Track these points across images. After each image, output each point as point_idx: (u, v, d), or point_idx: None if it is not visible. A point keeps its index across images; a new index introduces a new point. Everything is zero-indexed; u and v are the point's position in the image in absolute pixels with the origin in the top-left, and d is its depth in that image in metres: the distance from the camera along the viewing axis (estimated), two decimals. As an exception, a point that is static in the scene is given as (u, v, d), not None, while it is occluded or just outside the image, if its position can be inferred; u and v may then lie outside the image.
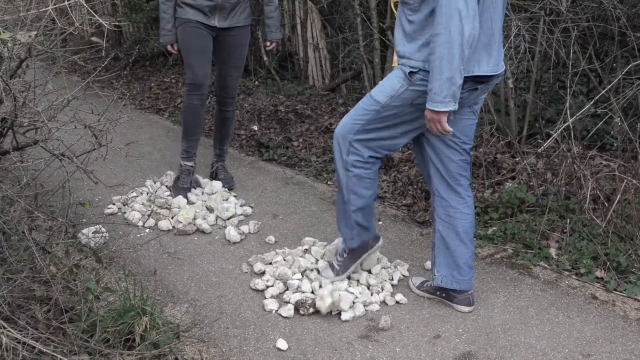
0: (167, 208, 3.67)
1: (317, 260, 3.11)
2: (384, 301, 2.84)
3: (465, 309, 2.74)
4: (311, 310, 2.71)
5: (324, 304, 2.68)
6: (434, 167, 2.70)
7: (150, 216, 3.54)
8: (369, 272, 3.02)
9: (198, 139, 4.01)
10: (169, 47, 3.88)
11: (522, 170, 3.78)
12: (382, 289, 2.91)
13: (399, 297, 2.85)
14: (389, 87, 2.53)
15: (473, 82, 2.47)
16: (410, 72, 2.46)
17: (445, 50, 2.26)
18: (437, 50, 2.28)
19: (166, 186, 3.97)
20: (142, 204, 3.72)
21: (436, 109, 2.36)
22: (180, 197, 3.75)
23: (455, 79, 2.31)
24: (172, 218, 3.58)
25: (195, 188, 3.95)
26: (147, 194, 3.85)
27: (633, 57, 3.94)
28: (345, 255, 2.91)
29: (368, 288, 2.91)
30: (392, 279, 2.99)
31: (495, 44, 2.47)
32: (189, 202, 3.77)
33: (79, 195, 3.60)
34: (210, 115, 5.50)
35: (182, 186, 3.87)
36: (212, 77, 4.13)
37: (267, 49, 4.07)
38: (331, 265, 2.95)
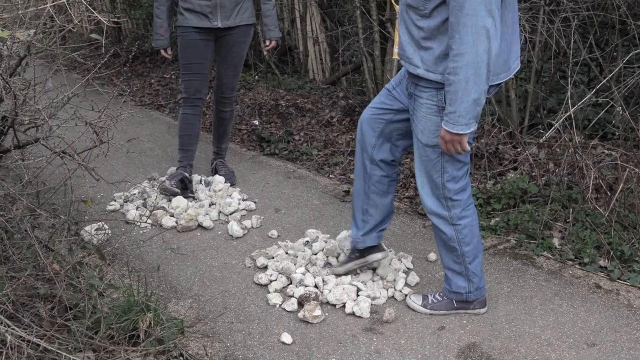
0: (163, 208, 3.64)
1: (314, 253, 3.11)
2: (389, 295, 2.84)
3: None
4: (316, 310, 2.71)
5: None
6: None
7: (149, 218, 3.52)
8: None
9: (192, 151, 3.90)
10: (162, 52, 3.86)
11: (524, 161, 3.77)
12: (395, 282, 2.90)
13: (404, 289, 2.85)
14: (431, 125, 2.37)
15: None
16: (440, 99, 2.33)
17: (471, 71, 2.12)
18: (462, 71, 2.13)
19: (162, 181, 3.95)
20: (137, 207, 3.68)
21: (460, 132, 2.23)
22: (180, 197, 3.70)
23: (481, 100, 2.19)
24: (176, 216, 3.57)
25: (206, 186, 3.93)
26: (139, 193, 3.83)
27: (634, 45, 3.93)
28: (445, 299, 2.68)
29: (382, 280, 2.90)
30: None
31: (518, 36, 2.38)
32: (193, 200, 3.76)
33: (81, 192, 3.61)
34: (211, 110, 5.50)
35: (171, 187, 3.67)
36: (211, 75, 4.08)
37: (267, 48, 4.00)
38: (425, 296, 2.72)
